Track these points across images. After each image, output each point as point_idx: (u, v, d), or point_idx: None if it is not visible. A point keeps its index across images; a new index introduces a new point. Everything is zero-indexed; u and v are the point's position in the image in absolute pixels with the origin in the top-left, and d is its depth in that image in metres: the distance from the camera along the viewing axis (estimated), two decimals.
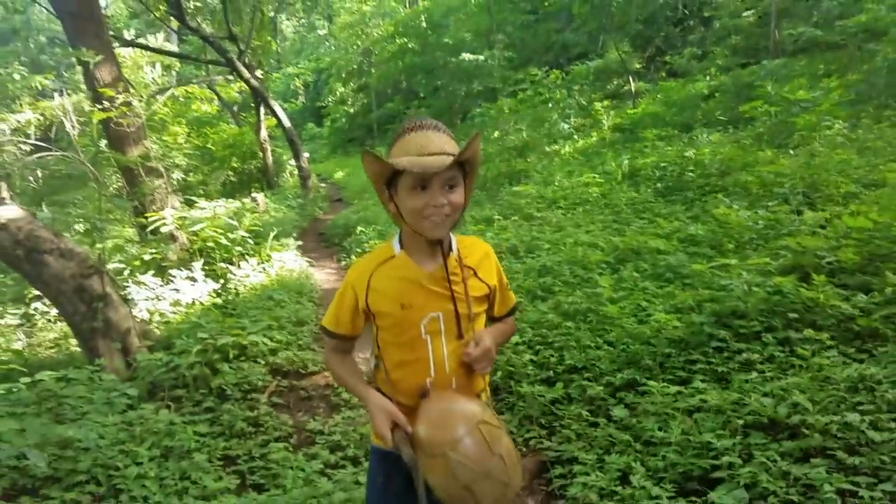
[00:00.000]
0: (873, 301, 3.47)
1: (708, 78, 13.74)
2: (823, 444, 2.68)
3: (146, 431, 3.55)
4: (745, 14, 15.49)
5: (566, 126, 14.10)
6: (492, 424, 1.56)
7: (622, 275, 4.88)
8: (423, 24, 21.34)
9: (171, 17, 14.60)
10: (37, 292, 6.92)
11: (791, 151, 7.12)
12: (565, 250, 5.68)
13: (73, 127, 6.26)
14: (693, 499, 2.61)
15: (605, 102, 14.90)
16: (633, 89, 14.59)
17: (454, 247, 1.72)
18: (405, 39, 21.90)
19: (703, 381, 3.35)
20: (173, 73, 21.23)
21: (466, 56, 19.23)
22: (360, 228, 9.67)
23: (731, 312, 3.81)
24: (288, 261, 7.94)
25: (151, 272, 6.74)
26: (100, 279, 4.65)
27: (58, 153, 6.51)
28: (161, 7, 14.57)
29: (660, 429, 3.06)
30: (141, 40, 18.00)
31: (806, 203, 5.46)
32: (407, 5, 25.37)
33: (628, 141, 10.72)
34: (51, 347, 5.75)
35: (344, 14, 27.06)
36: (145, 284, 6.38)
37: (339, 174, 22.88)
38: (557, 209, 7.62)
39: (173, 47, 20.89)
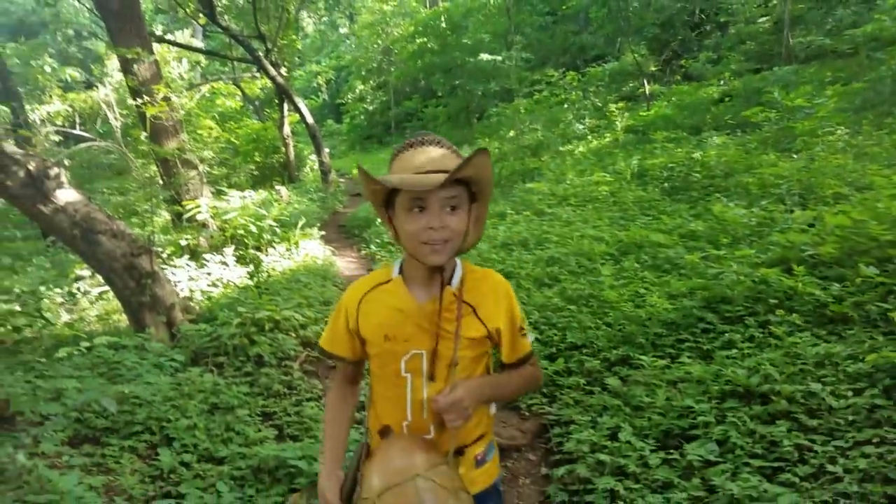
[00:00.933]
0: (846, 290, 3.86)
1: (722, 83, 14.05)
2: (788, 409, 3.08)
3: (193, 390, 4.01)
4: (760, 20, 15.78)
5: (581, 127, 14.47)
6: (439, 484, 1.39)
7: (624, 265, 5.29)
8: (443, 25, 21.74)
9: (200, 14, 15.10)
10: (80, 273, 7.46)
11: (794, 156, 7.47)
12: (572, 243, 6.09)
13: (115, 119, 6.72)
14: (671, 451, 3.02)
15: (620, 104, 15.25)
16: (647, 92, 14.92)
17: (457, 278, 1.57)
18: (425, 39, 22.33)
19: (689, 357, 3.77)
20: (198, 69, 21.81)
21: (484, 56, 19.63)
22: (379, 220, 10.12)
23: (719, 299, 4.22)
24: (312, 249, 8.41)
25: (187, 257, 7.21)
26: (148, 258, 5.13)
27: (101, 143, 6.98)
28: (191, 4, 15.11)
29: (647, 396, 3.48)
30: (168, 36, 18.59)
31: (800, 203, 5.83)
32: (427, 5, 25.80)
33: (640, 142, 11.08)
34: (96, 324, 6.23)
35: (365, 13, 27.55)
36: (182, 267, 6.86)
37: (356, 172, 23.35)
38: (568, 206, 8.02)
39: (199, 43, 21.47)
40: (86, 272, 7.05)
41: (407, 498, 1.36)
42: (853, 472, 2.61)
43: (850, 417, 2.92)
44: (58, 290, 7.23)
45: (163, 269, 6.52)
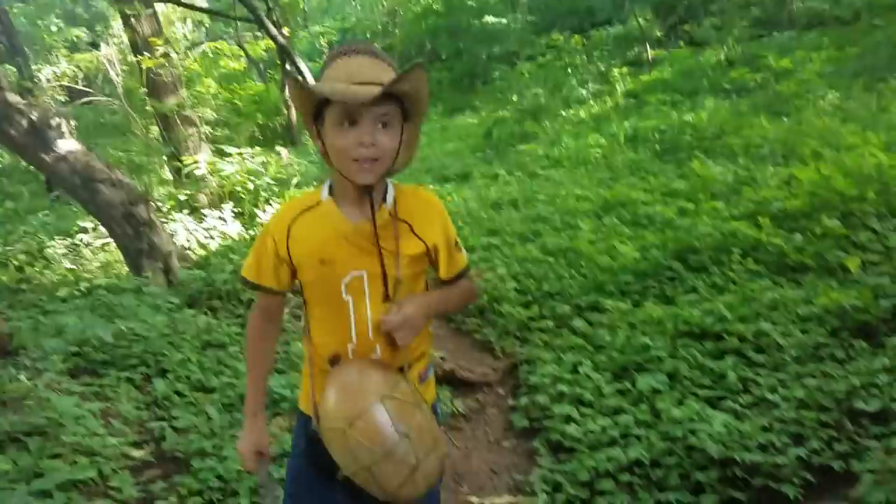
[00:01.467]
0: (808, 241, 4.04)
1: (726, 48, 14.03)
2: (738, 346, 3.30)
3: (188, 328, 4.25)
4: None
5: (584, 91, 14.49)
6: (402, 400, 1.41)
7: (604, 221, 5.47)
8: None
9: None
10: (82, 225, 7.69)
11: (784, 119, 7.58)
12: (559, 202, 6.27)
13: (117, 76, 6.88)
14: (624, 382, 3.25)
15: (623, 69, 15.22)
16: (649, 57, 14.91)
17: (389, 197, 1.52)
18: (431, 1, 22.20)
19: (653, 302, 3.97)
20: (203, 29, 21.82)
21: (489, 19, 19.54)
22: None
23: (687, 249, 4.41)
24: None
25: (186, 211, 7.43)
26: (145, 207, 5.34)
27: (103, 98, 7.16)
28: None
29: (609, 336, 3.69)
30: None
31: (780, 162, 5.97)
32: None
33: (638, 106, 11.15)
34: (97, 272, 6.47)
35: None
36: (181, 222, 7.07)
37: None
38: (561, 168, 8.17)
39: (203, 3, 21.43)
40: (88, 224, 7.26)
41: (379, 420, 1.35)
42: (791, 401, 2.83)
43: (795, 353, 3.13)
44: (60, 239, 7.47)
45: (162, 221, 6.75)
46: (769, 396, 2.89)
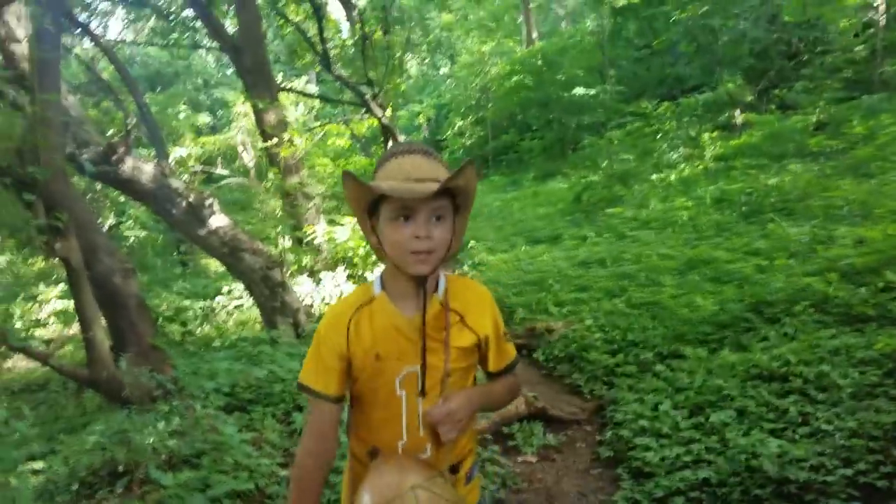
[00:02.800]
0: (871, 294, 4.38)
1: (818, 111, 14.16)
2: (801, 387, 3.69)
3: None
4: (856, 49, 15.75)
5: (675, 156, 14.90)
6: (438, 495, 1.38)
7: (686, 278, 5.92)
8: (539, 62, 22.71)
9: (317, 64, 16.75)
10: (220, 289, 8.78)
11: (871, 181, 7.80)
12: (644, 261, 6.75)
13: (251, 159, 8.00)
14: (699, 417, 3.70)
15: (713, 134, 15.54)
16: (738, 121, 15.20)
17: (441, 287, 1.54)
18: (521, 76, 23.35)
19: (729, 350, 4.40)
20: (313, 111, 23.76)
21: (578, 90, 20.40)
22: (471, 243, 11.02)
23: (762, 302, 4.81)
24: None
25: (306, 274, 8.37)
26: (279, 271, 6.25)
27: (237, 179, 8.29)
28: (308, 56, 16.80)
29: (688, 379, 4.15)
30: (287, 84, 20.50)
31: (857, 222, 6.25)
32: (524, 45, 26.91)
33: (726, 170, 11.48)
34: (235, 329, 7.45)
35: (465, 54, 28.97)
36: (302, 284, 8.01)
37: None
38: (649, 229, 8.63)
39: (314, 89, 23.41)
40: (225, 288, 8.34)
41: None
42: (843, 431, 3.22)
43: (851, 391, 3.50)
44: (199, 304, 8.57)
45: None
46: (824, 427, 3.28)
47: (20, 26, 5.49)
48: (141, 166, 6.08)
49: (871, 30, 15.60)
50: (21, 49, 5.28)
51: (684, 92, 21.47)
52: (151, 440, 3.72)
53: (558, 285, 6.62)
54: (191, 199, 6.12)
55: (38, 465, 3.71)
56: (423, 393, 1.50)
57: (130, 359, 4.51)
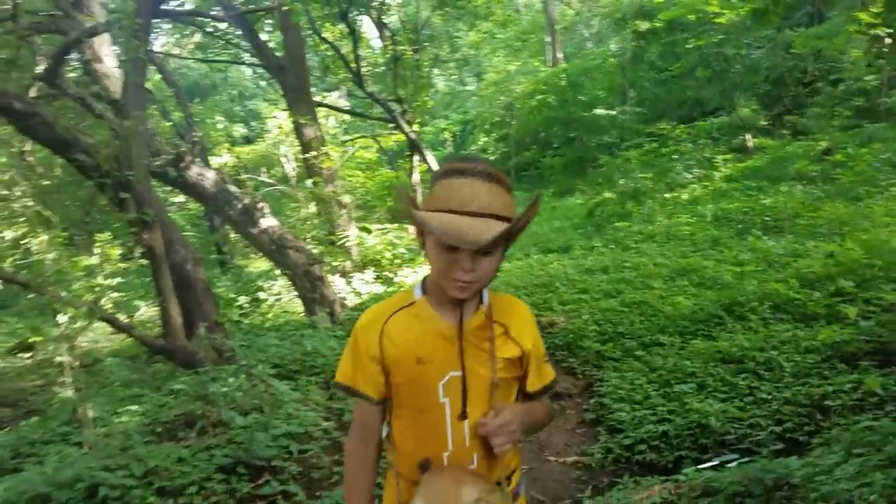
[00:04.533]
0: (824, 297, 5.18)
1: (827, 137, 14.85)
2: (753, 367, 4.50)
3: None
4: (867, 78, 16.42)
5: (689, 176, 15.67)
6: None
7: (676, 283, 6.73)
8: (563, 82, 23.61)
9: (350, 81, 17.79)
10: (260, 286, 9.72)
11: (860, 203, 8.55)
12: (641, 269, 7.56)
13: (293, 169, 8.95)
14: (666, 389, 4.51)
15: (727, 156, 16.28)
16: (749, 145, 15.94)
17: (485, 300, 1.51)
18: (545, 95, 24.24)
19: (700, 339, 5.21)
20: (343, 125, 24.85)
21: (599, 111, 21.25)
22: None
23: (734, 303, 5.62)
24: None
25: (338, 274, 9.29)
26: (319, 267, 7.16)
27: (281, 187, 9.25)
28: (341, 72, 17.85)
29: (661, 362, 4.97)
30: (318, 98, 21.62)
31: (836, 240, 7.02)
32: (549, 64, 27.82)
33: (732, 191, 12.25)
34: (278, 317, 8.38)
35: (491, 72, 29.97)
36: (335, 283, 8.93)
37: None
38: (651, 242, 9.43)
39: (345, 103, 24.51)
40: (266, 285, 9.29)
41: None
42: (779, 400, 4.02)
43: (792, 371, 4.31)
44: (242, 298, 9.51)
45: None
46: (765, 397, 4.09)
47: (109, 54, 6.51)
48: (204, 173, 7.05)
49: (881, 60, 16.28)
50: (112, 73, 6.29)
51: (704, 115, 22.20)
52: (224, 391, 4.62)
53: (563, 288, 7.43)
54: (246, 202, 7.07)
55: (135, 408, 4.61)
56: (465, 400, 1.45)
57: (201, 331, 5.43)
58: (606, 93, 23.43)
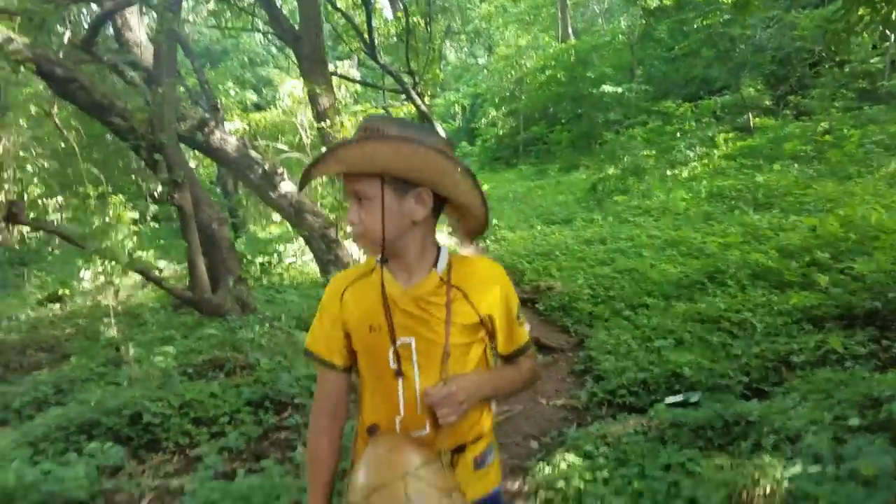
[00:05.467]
0: (799, 266, 5.63)
1: (829, 118, 15.17)
2: (728, 327, 4.97)
3: None
4: (872, 61, 16.65)
5: (691, 154, 16.01)
6: (425, 481, 1.31)
7: (665, 252, 7.19)
8: (572, 58, 23.84)
9: (362, 51, 18.11)
10: (278, 247, 10.23)
11: (847, 183, 8.95)
12: (635, 240, 8.02)
13: (307, 137, 9.39)
14: (648, 345, 5.00)
15: (729, 135, 16.59)
16: (751, 124, 16.26)
17: (442, 263, 1.48)
18: (554, 71, 24.49)
19: (683, 302, 5.68)
20: (354, 95, 25.18)
21: (607, 88, 21.53)
22: (495, 221, 12.31)
23: (717, 271, 6.08)
24: (442, 238, 10.78)
25: (351, 239, 9.77)
26: (334, 230, 7.63)
27: (296, 154, 9.70)
28: (354, 42, 18.17)
29: (645, 321, 5.45)
30: (331, 66, 21.93)
31: (821, 215, 7.45)
32: (559, 40, 27.96)
33: (729, 169, 12.64)
34: (292, 280, 8.90)
35: (502, 46, 30.17)
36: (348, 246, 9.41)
37: (485, 187, 25.87)
38: (648, 216, 9.87)
39: (356, 73, 24.82)
40: (280, 249, 9.79)
41: (395, 498, 1.28)
42: (749, 355, 4.50)
43: (763, 331, 4.78)
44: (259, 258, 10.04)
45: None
46: (736, 352, 4.57)
47: (137, 24, 6.93)
48: (226, 138, 7.49)
49: (887, 43, 16.50)
50: (142, 41, 6.71)
51: (710, 93, 22.43)
52: (250, 337, 5.13)
53: (563, 256, 7.91)
54: (266, 167, 7.53)
55: (170, 349, 5.13)
56: (399, 364, 1.45)
57: (227, 284, 5.93)
58: (615, 70, 23.69)
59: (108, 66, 6.63)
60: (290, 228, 9.80)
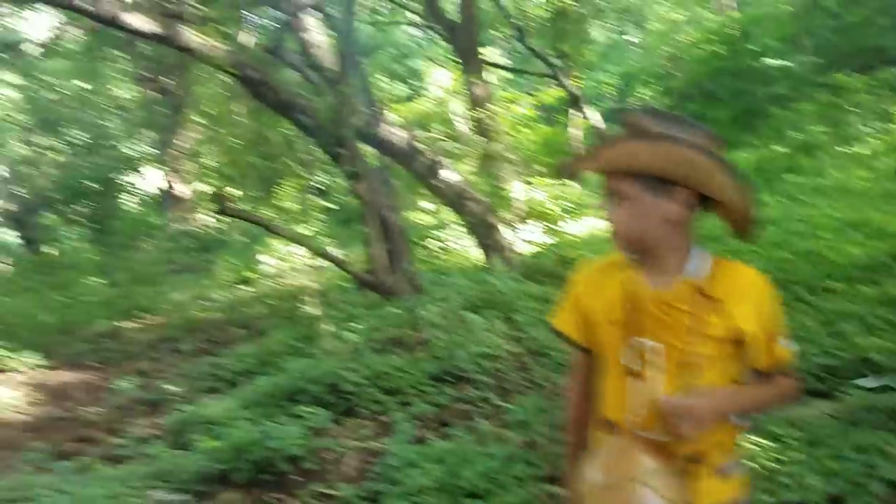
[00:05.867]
0: None
1: None
2: None
3: (529, 291, 6.60)
4: None
5: (867, 129, 14.77)
6: (654, 490, 1.31)
7: (844, 234, 6.82)
8: (735, 32, 22.63)
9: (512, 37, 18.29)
10: (434, 233, 10.71)
11: None
12: (810, 221, 7.65)
13: (464, 126, 9.73)
14: (831, 329, 4.83)
15: None
16: None
17: (693, 267, 1.43)
18: (714, 46, 23.35)
19: (867, 285, 5.41)
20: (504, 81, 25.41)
21: (770, 61, 20.28)
22: None
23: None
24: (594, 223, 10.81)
25: (505, 226, 10.04)
26: (493, 216, 7.91)
27: (455, 144, 10.07)
28: (506, 30, 18.39)
29: (829, 304, 5.25)
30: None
31: None
32: (716, 11, 26.57)
33: None
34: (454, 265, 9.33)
35: (654, 21, 29.16)
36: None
37: None
38: (822, 196, 9.32)
39: (504, 60, 25.02)
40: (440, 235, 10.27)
41: (621, 501, 1.32)
42: None
43: None
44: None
45: None
46: None
47: (314, 25, 7.51)
48: (393, 130, 7.98)
49: None
50: (320, 43, 7.28)
51: (886, 62, 20.43)
52: (426, 315, 5.53)
53: (733, 239, 7.68)
54: (428, 156, 7.95)
55: (359, 326, 5.65)
56: (640, 370, 1.43)
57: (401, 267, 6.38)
58: (779, 42, 22.17)
59: (295, 69, 7.28)
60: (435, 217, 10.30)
